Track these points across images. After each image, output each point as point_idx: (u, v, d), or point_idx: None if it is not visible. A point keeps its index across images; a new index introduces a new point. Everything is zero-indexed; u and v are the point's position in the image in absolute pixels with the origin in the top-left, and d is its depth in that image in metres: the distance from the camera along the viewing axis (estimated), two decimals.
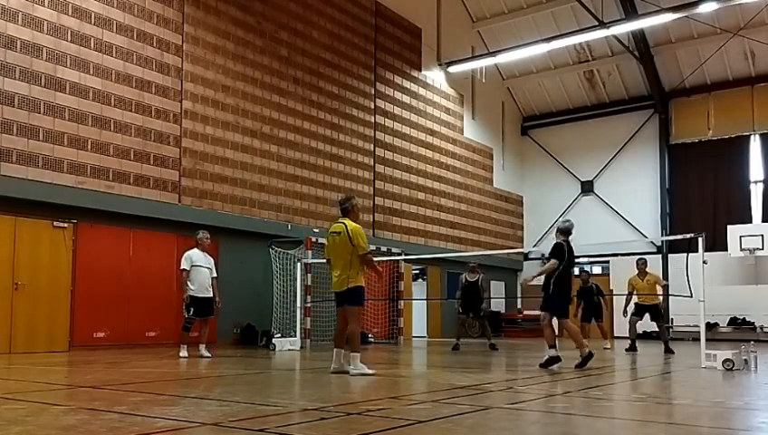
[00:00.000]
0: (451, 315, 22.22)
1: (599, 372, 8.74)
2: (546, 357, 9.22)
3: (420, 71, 21.91)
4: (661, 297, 14.14)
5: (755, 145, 22.71)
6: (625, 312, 13.98)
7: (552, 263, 9.30)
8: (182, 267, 11.25)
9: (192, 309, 11.20)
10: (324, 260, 8.90)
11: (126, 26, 13.78)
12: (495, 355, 12.71)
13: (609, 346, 15.08)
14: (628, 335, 14.19)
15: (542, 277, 9.49)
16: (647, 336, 22.63)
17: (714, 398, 6.31)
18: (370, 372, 7.69)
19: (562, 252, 9.30)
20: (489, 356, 12.38)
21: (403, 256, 17.49)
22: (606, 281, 23.36)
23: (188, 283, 11.16)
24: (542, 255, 25.11)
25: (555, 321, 9.51)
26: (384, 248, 18.00)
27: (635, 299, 14.02)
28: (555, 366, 9.04)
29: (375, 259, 16.98)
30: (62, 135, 12.62)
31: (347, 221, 8.15)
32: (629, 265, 23.50)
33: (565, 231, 9.60)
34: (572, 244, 9.59)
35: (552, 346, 9.25)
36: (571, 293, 9.77)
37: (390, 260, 17.80)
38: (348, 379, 7.37)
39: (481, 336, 16.96)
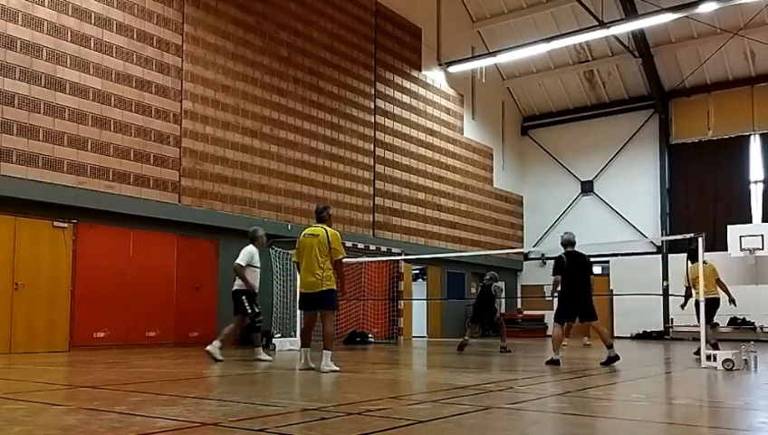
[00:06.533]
0: (450, 315, 22.26)
1: (598, 372, 8.74)
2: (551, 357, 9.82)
3: (420, 71, 21.90)
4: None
5: (755, 145, 22.71)
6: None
7: (554, 279, 10.03)
8: (241, 263, 10.46)
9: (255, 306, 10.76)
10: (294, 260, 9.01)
11: (126, 26, 13.77)
12: (495, 355, 12.70)
13: (566, 344, 14.83)
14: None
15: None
16: (646, 336, 22.68)
17: (714, 398, 6.32)
18: (338, 368, 8.15)
19: (561, 265, 9.94)
20: (489, 356, 12.38)
21: (403, 256, 17.49)
22: (606, 281, 23.40)
23: (248, 280, 10.48)
24: (543, 255, 25.17)
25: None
26: (384, 248, 18.01)
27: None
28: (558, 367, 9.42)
29: (375, 259, 17.42)
30: (62, 135, 12.61)
31: (325, 226, 8.60)
32: (629, 265, 23.81)
33: (565, 243, 10.17)
34: (577, 250, 10.10)
35: (555, 350, 9.86)
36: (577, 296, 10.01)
37: (390, 260, 17.81)
38: (346, 378, 7.37)
39: (481, 337, 16.97)
